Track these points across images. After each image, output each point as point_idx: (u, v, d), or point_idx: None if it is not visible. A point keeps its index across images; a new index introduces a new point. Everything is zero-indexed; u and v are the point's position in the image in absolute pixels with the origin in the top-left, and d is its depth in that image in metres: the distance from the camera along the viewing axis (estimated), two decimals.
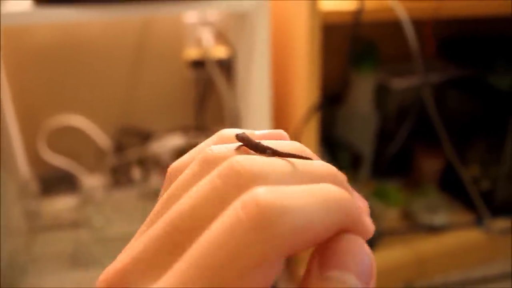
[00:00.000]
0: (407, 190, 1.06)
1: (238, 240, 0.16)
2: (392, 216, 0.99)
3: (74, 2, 0.65)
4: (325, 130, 0.89)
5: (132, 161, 1.03)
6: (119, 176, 1.03)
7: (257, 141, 0.22)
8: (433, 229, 0.96)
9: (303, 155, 0.22)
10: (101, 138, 1.05)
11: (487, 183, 1.00)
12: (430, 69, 0.97)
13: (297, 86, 0.84)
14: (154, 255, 0.18)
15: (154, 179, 1.00)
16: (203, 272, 0.16)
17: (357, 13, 0.75)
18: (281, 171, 0.19)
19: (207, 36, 1.00)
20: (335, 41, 0.87)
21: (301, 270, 0.80)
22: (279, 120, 0.89)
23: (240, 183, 0.18)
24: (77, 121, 1.04)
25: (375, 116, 0.96)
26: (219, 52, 1.01)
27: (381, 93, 1.01)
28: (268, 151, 0.22)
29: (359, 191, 0.22)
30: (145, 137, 1.06)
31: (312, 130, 0.82)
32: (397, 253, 0.91)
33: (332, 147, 0.98)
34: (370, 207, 0.22)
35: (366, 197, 0.22)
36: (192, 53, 1.03)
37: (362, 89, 0.95)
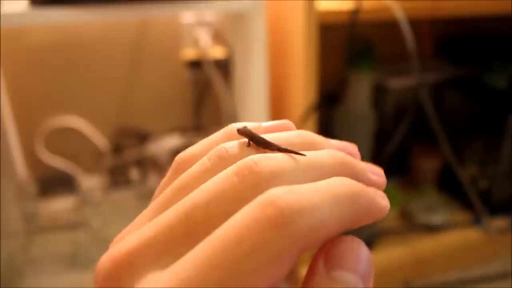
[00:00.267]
0: (405, 190, 1.06)
1: (257, 236, 0.16)
2: (390, 215, 0.99)
3: (71, 3, 0.65)
4: (322, 130, 0.89)
5: (130, 161, 1.03)
6: (117, 177, 1.03)
7: (261, 135, 0.23)
8: (431, 229, 0.96)
9: (310, 143, 0.23)
10: (99, 139, 1.05)
11: (485, 182, 1.00)
12: (427, 68, 0.97)
13: (295, 86, 0.84)
14: (166, 242, 0.19)
15: (152, 180, 1.00)
16: (222, 263, 0.16)
17: (354, 13, 0.75)
18: (294, 169, 0.20)
19: (204, 37, 1.00)
20: (332, 41, 0.87)
21: (302, 270, 0.80)
22: (276, 119, 0.89)
23: (256, 183, 0.19)
24: (75, 122, 1.04)
25: (372, 115, 0.95)
26: (217, 52, 1.01)
27: (379, 92, 1.01)
28: (272, 147, 0.22)
29: None
30: (143, 137, 1.06)
31: (310, 130, 0.82)
32: (395, 252, 0.91)
33: None
34: None
35: None
36: (189, 53, 1.03)
37: (360, 89, 0.94)
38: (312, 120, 0.82)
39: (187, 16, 1.00)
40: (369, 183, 0.22)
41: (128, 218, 0.23)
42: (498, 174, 0.98)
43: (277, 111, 0.89)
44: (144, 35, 1.02)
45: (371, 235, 0.91)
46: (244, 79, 0.88)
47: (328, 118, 0.98)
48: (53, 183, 1.02)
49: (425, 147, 1.07)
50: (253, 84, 0.82)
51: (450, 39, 1.14)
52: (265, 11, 0.75)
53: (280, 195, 0.17)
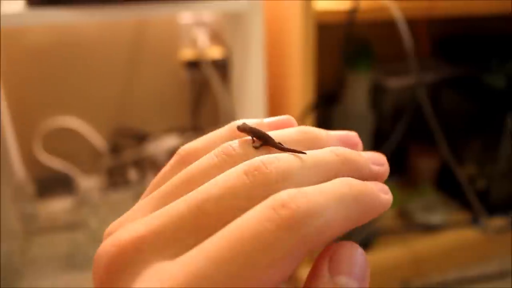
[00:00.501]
0: (403, 190, 1.06)
1: (270, 235, 0.17)
2: (388, 215, 0.99)
3: (67, 4, 0.65)
4: None
5: (128, 162, 1.03)
6: (115, 178, 1.03)
7: (263, 133, 0.24)
8: (429, 228, 0.96)
9: (312, 138, 0.24)
10: (97, 140, 1.05)
11: (483, 182, 1.00)
12: (425, 68, 0.97)
13: (292, 86, 0.84)
14: (175, 231, 0.19)
15: (151, 180, 0.99)
16: (235, 257, 0.17)
17: (352, 13, 0.75)
18: (300, 169, 0.21)
19: (202, 37, 1.00)
20: (330, 41, 0.87)
21: (301, 271, 0.80)
22: None
23: (266, 183, 0.20)
24: (73, 122, 1.04)
25: (370, 115, 0.96)
26: (214, 52, 1.01)
27: (377, 92, 1.01)
28: (273, 143, 0.23)
29: None
30: (141, 138, 1.06)
31: None
32: (393, 252, 0.91)
33: None
34: None
35: None
36: (187, 53, 1.03)
37: (358, 89, 0.95)
38: (310, 120, 0.82)
39: (185, 16, 1.00)
40: (372, 174, 0.24)
41: None
42: (496, 173, 0.98)
43: (275, 111, 0.89)
44: (141, 35, 1.02)
45: (370, 235, 0.91)
46: (242, 79, 0.88)
47: (326, 118, 0.98)
48: (51, 184, 1.02)
49: (423, 146, 1.07)
50: (251, 84, 0.82)
51: (448, 39, 1.14)
52: (263, 11, 0.75)
53: (292, 197, 0.18)
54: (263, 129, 0.24)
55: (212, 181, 0.20)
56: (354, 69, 0.93)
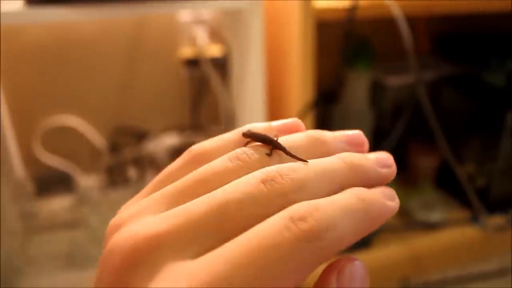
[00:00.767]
0: (402, 188, 1.06)
1: (289, 245, 0.18)
2: None
3: (66, 2, 0.65)
4: (320, 128, 0.89)
5: (128, 160, 1.03)
6: (114, 176, 1.03)
7: (270, 138, 0.25)
8: (429, 226, 0.96)
9: (319, 143, 0.26)
10: (96, 138, 1.05)
11: (483, 180, 1.00)
12: (424, 66, 0.97)
13: (292, 84, 0.84)
14: (195, 231, 0.20)
15: (150, 179, 0.99)
16: (254, 263, 0.18)
17: (351, 11, 0.75)
18: (312, 179, 0.22)
19: (201, 35, 1.00)
20: (329, 39, 0.87)
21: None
22: (274, 118, 0.89)
23: (282, 193, 0.21)
24: (72, 121, 1.03)
25: (370, 113, 0.95)
26: (214, 50, 1.01)
27: (376, 90, 1.01)
28: (281, 148, 0.24)
29: None
30: (140, 136, 1.06)
31: (307, 127, 0.82)
32: (393, 250, 0.91)
33: None
34: None
35: None
36: (186, 51, 1.03)
37: (357, 87, 0.94)
38: (310, 118, 0.82)
39: (184, 14, 1.00)
40: (380, 178, 0.25)
41: None
42: (496, 171, 0.98)
43: (274, 108, 0.89)
44: (141, 33, 1.02)
45: (369, 233, 0.90)
46: (242, 77, 0.88)
47: (326, 116, 0.98)
48: (51, 182, 1.02)
49: (423, 144, 1.07)
50: (250, 82, 0.82)
51: (447, 37, 1.14)
52: (262, 9, 0.75)
53: (310, 211, 0.19)
54: (272, 134, 0.25)
55: (232, 185, 0.21)
56: (354, 67, 0.93)
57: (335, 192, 0.22)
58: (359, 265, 0.22)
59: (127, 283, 0.19)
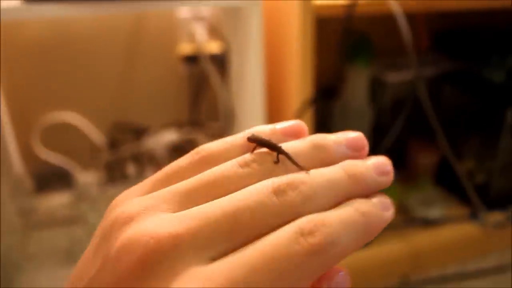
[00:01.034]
0: (402, 184, 1.05)
1: (298, 257, 0.20)
2: None
3: None
4: (320, 124, 0.89)
5: (127, 157, 1.03)
6: (113, 172, 1.03)
7: (274, 144, 0.25)
8: (428, 223, 0.96)
9: (322, 150, 0.26)
10: (95, 135, 1.05)
11: (482, 176, 1.00)
12: (424, 63, 0.97)
13: (291, 80, 0.84)
14: (211, 235, 0.20)
15: (149, 175, 0.99)
16: (265, 272, 0.19)
17: (351, 7, 0.74)
18: (318, 192, 0.23)
19: (200, 31, 1.00)
20: (328, 35, 0.87)
21: None
22: (273, 114, 0.89)
23: (293, 205, 0.22)
24: (71, 117, 1.03)
25: (369, 110, 0.95)
26: (213, 47, 1.01)
27: (376, 86, 1.00)
28: (284, 153, 0.25)
29: None
30: (139, 133, 1.05)
31: (307, 124, 0.81)
32: (392, 246, 0.91)
33: None
34: None
35: None
36: (185, 48, 1.02)
37: (357, 83, 0.94)
38: (309, 114, 0.81)
39: (183, 10, 1.00)
40: (378, 186, 0.27)
41: None
42: (495, 168, 0.98)
43: (274, 105, 0.89)
44: (140, 30, 1.02)
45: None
46: (241, 74, 0.87)
47: (326, 113, 0.97)
48: (50, 179, 1.02)
49: (422, 141, 1.07)
50: (249, 78, 0.82)
51: (447, 33, 1.13)
52: (261, 5, 0.75)
53: (318, 227, 0.21)
54: (276, 137, 0.27)
55: (245, 193, 0.22)
56: (353, 64, 0.93)
57: (337, 202, 0.24)
58: (345, 275, 0.24)
59: (145, 281, 0.19)
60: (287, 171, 0.24)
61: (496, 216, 0.97)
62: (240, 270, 0.19)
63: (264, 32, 0.78)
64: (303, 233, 0.21)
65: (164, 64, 1.06)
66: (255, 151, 0.25)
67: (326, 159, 0.26)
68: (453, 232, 0.95)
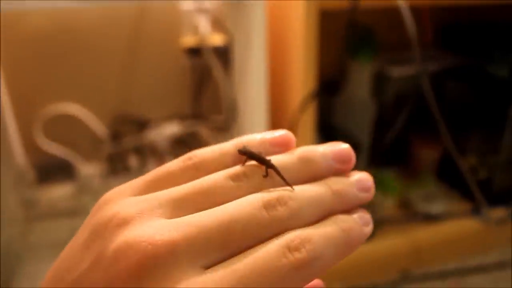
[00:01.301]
0: (404, 179, 1.05)
1: (285, 271, 0.21)
2: (389, 204, 0.99)
3: None
4: (322, 118, 0.89)
5: (129, 149, 1.03)
6: (115, 164, 1.03)
7: (263, 159, 0.27)
8: (430, 218, 0.96)
9: (309, 164, 0.28)
10: (98, 126, 1.05)
11: (485, 172, 1.00)
12: (428, 57, 0.96)
13: (294, 73, 0.83)
14: (205, 244, 0.21)
15: (151, 167, 0.99)
16: (258, 282, 0.21)
17: (355, 0, 0.74)
18: (303, 209, 0.25)
19: (203, 24, 0.99)
20: (332, 29, 0.86)
21: None
22: (276, 107, 0.89)
23: (281, 219, 0.23)
24: (73, 109, 1.03)
25: (372, 104, 0.95)
26: (216, 39, 1.01)
27: (379, 81, 1.00)
28: (272, 167, 0.26)
29: None
30: (142, 125, 1.05)
31: (309, 118, 0.81)
32: (394, 241, 0.91)
33: (330, 135, 0.97)
34: None
35: None
36: (188, 40, 1.02)
37: (360, 77, 0.94)
38: (312, 108, 0.81)
39: (187, 2, 0.99)
40: (359, 202, 0.28)
41: None
42: (498, 164, 0.98)
43: (276, 98, 0.89)
44: (143, 21, 1.01)
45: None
46: (244, 66, 0.87)
47: (329, 106, 0.97)
48: (52, 170, 1.02)
49: (425, 136, 1.07)
50: (252, 71, 0.82)
51: (451, 28, 1.13)
52: None
53: (304, 243, 0.23)
54: (265, 146, 0.28)
55: (237, 205, 0.23)
56: (357, 57, 0.93)
57: (321, 217, 0.25)
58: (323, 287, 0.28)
59: (140, 285, 0.20)
60: (274, 185, 0.26)
61: (498, 212, 0.97)
62: (232, 281, 0.20)
63: (268, 25, 0.77)
64: (290, 248, 0.22)
65: (167, 56, 1.06)
66: (246, 164, 0.27)
67: (313, 172, 0.28)
68: (455, 228, 0.95)
